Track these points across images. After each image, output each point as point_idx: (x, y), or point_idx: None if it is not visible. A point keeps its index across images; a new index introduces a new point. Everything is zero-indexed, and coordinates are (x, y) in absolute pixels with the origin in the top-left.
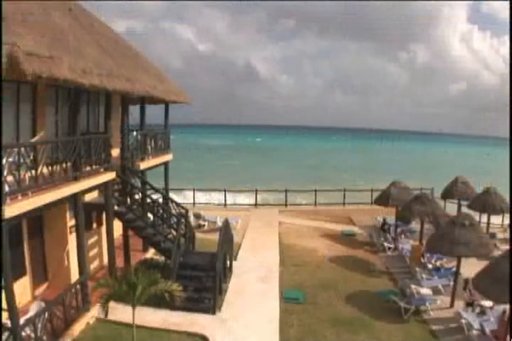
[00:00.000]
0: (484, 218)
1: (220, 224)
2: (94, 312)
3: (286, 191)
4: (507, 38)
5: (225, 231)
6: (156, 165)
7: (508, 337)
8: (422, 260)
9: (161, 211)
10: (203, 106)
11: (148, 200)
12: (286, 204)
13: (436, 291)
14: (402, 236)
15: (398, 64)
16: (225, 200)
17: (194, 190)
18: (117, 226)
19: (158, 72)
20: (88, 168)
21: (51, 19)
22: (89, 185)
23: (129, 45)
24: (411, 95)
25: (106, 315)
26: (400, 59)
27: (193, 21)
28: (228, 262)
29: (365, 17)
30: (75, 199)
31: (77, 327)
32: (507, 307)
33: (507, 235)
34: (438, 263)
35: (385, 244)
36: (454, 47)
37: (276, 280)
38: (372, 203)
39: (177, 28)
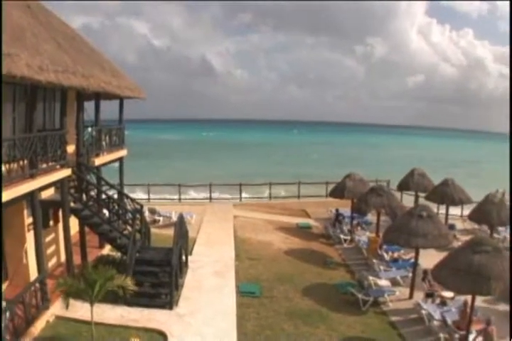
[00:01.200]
0: (443, 209)
1: (175, 219)
2: (54, 310)
3: (240, 185)
4: (467, 30)
5: (180, 226)
6: (111, 161)
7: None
8: (379, 252)
9: (116, 207)
10: (158, 102)
11: (104, 196)
12: (240, 198)
13: (394, 283)
14: (359, 228)
15: (355, 57)
16: (180, 195)
17: (149, 185)
18: (73, 223)
19: (113, 68)
20: (44, 165)
21: (10, 17)
22: (46, 182)
23: (86, 41)
24: (368, 88)
25: (67, 307)
26: (356, 52)
27: (149, 17)
28: (184, 257)
29: (321, 11)
30: (31, 196)
31: (38, 326)
32: (468, 297)
33: (467, 226)
34: (396, 255)
35: (341, 236)
36: (412, 40)
37: (232, 275)
38: (327, 196)
39: (133, 24)
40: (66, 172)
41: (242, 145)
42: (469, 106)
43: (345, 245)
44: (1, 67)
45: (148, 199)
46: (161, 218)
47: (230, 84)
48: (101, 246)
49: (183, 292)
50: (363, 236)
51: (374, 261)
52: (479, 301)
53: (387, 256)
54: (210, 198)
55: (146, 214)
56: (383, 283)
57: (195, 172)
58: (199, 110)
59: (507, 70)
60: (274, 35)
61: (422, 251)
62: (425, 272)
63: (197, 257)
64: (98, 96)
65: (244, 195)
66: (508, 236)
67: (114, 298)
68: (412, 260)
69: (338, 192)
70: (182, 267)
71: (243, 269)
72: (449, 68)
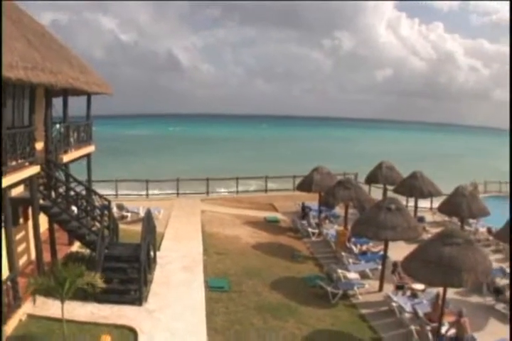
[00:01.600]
0: (412, 202)
1: (142, 214)
2: (26, 308)
3: (207, 179)
4: (437, 24)
5: (148, 221)
6: (79, 157)
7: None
8: (348, 244)
9: (84, 203)
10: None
11: (72, 193)
12: (207, 193)
13: (363, 275)
14: (327, 221)
15: (322, 51)
16: (147, 191)
17: (116, 181)
18: (43, 220)
19: (81, 64)
20: (14, 163)
21: None
22: (15, 179)
23: (55, 37)
24: (335, 82)
25: (34, 303)
26: (324, 46)
27: (117, 12)
28: (152, 253)
29: (289, 5)
30: (1, 194)
31: (11, 325)
32: (440, 290)
33: (437, 218)
34: (364, 248)
35: (309, 230)
36: (380, 34)
37: (200, 270)
38: (294, 189)
39: (101, 19)
40: (35, 169)
41: (210, 140)
42: (439, 100)
43: (313, 238)
44: (1, 68)
45: (116, 195)
46: (128, 214)
47: (197, 78)
48: (70, 243)
49: (152, 288)
50: (331, 230)
51: (343, 254)
52: (451, 293)
53: (355, 249)
54: (178, 193)
55: (114, 210)
56: (352, 275)
57: (162, 168)
58: (166, 105)
59: (478, 63)
60: (241, 29)
61: (391, 244)
62: (395, 264)
63: (165, 252)
64: (66, 93)
65: (211, 189)
66: (480, 228)
67: (85, 295)
68: (381, 252)
69: (306, 185)
70: (150, 263)
71: (211, 264)
72: (419, 62)
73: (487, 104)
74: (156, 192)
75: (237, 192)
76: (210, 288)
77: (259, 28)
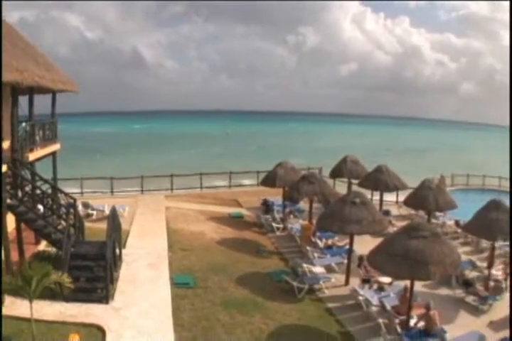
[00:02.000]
0: (377, 196)
1: (108, 212)
2: None
3: (172, 176)
4: (403, 18)
5: (113, 219)
6: (45, 156)
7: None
8: (313, 239)
9: (50, 202)
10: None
11: (38, 192)
12: (172, 189)
13: (329, 269)
14: (291, 216)
15: (286, 46)
16: (112, 188)
17: (82, 179)
18: (10, 219)
19: (47, 62)
20: None
21: None
22: None
23: (21, 35)
24: (300, 77)
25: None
26: (288, 42)
27: (83, 9)
28: (118, 250)
29: (253, 1)
30: None
31: None
32: (408, 282)
33: (402, 211)
34: (330, 242)
35: (274, 225)
36: (345, 29)
37: (165, 266)
38: (258, 185)
39: (67, 17)
40: (2, 168)
41: (175, 137)
42: (405, 94)
43: (277, 233)
44: (1, 68)
45: (82, 193)
46: (94, 212)
47: (162, 75)
48: (37, 242)
49: (118, 285)
50: (296, 224)
51: (308, 248)
52: (419, 286)
53: (321, 243)
54: (142, 190)
55: (80, 208)
56: (318, 270)
57: (127, 165)
58: (131, 102)
59: (445, 58)
60: (205, 25)
61: (356, 238)
62: (361, 258)
63: (130, 250)
64: (32, 91)
65: (176, 186)
66: (447, 221)
67: (52, 294)
68: (347, 246)
69: (270, 180)
70: (116, 260)
71: (176, 260)
72: (384, 56)
73: (453, 98)
74: (120, 189)
75: (201, 188)
76: (176, 284)
77: (223, 24)
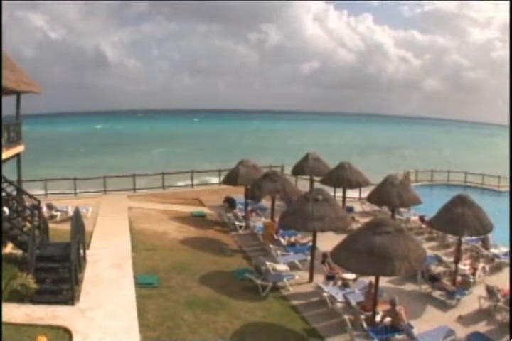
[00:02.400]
0: (340, 193)
1: (71, 213)
2: None
3: (134, 176)
4: (366, 15)
5: (77, 220)
6: (9, 158)
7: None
8: (276, 237)
9: (15, 204)
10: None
11: (3, 194)
12: (134, 189)
13: (293, 267)
14: (253, 214)
15: (248, 45)
16: (75, 189)
17: (46, 180)
18: None
19: (10, 63)
20: None
21: None
22: None
23: None
24: (261, 75)
25: None
26: (249, 40)
27: (47, 9)
28: (82, 251)
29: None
30: None
31: None
32: (372, 278)
33: (366, 208)
34: (292, 239)
35: (236, 223)
36: (307, 26)
37: (130, 266)
38: (220, 183)
39: (30, 17)
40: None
41: (140, 136)
42: (368, 91)
43: (240, 232)
44: (1, 69)
45: (46, 194)
46: (58, 213)
47: (124, 74)
48: (3, 245)
49: (83, 286)
50: (258, 222)
51: (271, 246)
52: (385, 282)
53: (283, 241)
54: (105, 190)
55: (44, 209)
56: (281, 267)
57: (90, 165)
58: (94, 102)
59: (408, 54)
60: (167, 24)
61: (319, 235)
62: (324, 255)
63: (94, 250)
64: None
65: (138, 185)
66: (411, 216)
67: (20, 296)
68: (310, 243)
69: (232, 179)
70: (81, 261)
71: (140, 260)
72: (347, 54)
73: (418, 94)
74: (84, 190)
75: (164, 187)
76: (140, 284)
77: (185, 23)
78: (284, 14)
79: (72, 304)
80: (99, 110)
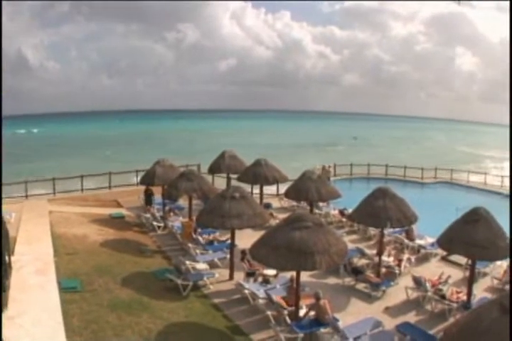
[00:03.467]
0: (258, 189)
1: None
2: None
3: (53, 179)
4: (284, 12)
5: (0, 226)
6: None
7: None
8: (194, 236)
9: None
10: None
11: None
12: (54, 193)
13: (213, 265)
14: (171, 214)
15: (166, 44)
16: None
17: None
18: None
19: None
20: None
21: None
22: None
23: None
24: (179, 74)
25: None
26: (167, 39)
27: None
28: (7, 258)
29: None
30: None
31: None
32: (293, 273)
33: (284, 204)
34: (211, 237)
35: (154, 223)
36: (224, 24)
37: (53, 271)
38: (138, 184)
39: None
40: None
41: (60, 139)
42: (286, 87)
43: (159, 232)
44: (1, 69)
45: None
46: None
47: (44, 77)
48: None
49: (10, 293)
50: (177, 222)
51: (189, 245)
52: (307, 276)
53: (202, 240)
54: (27, 195)
55: None
56: (201, 266)
57: (13, 170)
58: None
59: (327, 50)
60: (87, 24)
61: (238, 232)
62: (243, 252)
63: (18, 256)
64: None
65: (58, 189)
66: (331, 211)
67: None
68: (229, 241)
69: (148, 179)
70: (6, 268)
71: (63, 265)
72: (265, 51)
73: (336, 90)
74: (5, 195)
75: (83, 190)
76: (63, 289)
77: (103, 23)
78: (203, 13)
79: (1, 312)
80: (24, 113)
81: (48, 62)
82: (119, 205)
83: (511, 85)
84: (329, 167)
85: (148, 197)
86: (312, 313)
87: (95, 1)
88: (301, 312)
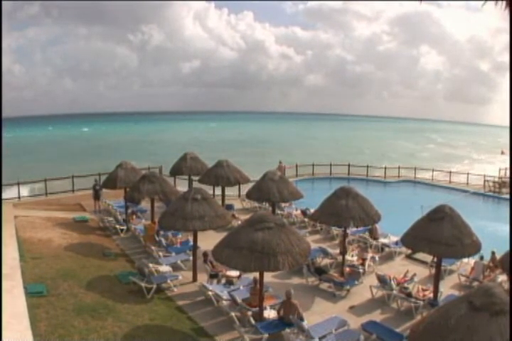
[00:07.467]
0: (220, 191)
1: None
2: None
3: (18, 184)
4: (246, 13)
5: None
6: None
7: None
8: (157, 238)
9: None
10: None
11: None
12: (19, 197)
13: (176, 267)
14: (134, 216)
15: (129, 46)
16: None
17: None
18: None
19: None
20: None
21: None
22: None
23: None
24: (141, 76)
25: None
26: (130, 41)
27: None
28: None
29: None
30: None
31: None
32: (256, 274)
33: (246, 205)
34: (174, 240)
35: (117, 227)
36: (187, 26)
37: (19, 276)
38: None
39: None
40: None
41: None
42: (249, 88)
43: (122, 235)
44: (1, 69)
45: None
46: None
47: (9, 81)
48: None
49: None
50: (139, 225)
51: (152, 248)
52: (270, 277)
53: (164, 242)
54: None
55: None
56: (164, 268)
57: None
58: None
59: (289, 50)
60: (51, 27)
61: (201, 234)
62: (205, 254)
63: None
64: None
65: (22, 193)
66: (293, 211)
67: None
68: (191, 243)
69: (111, 182)
70: None
71: (28, 269)
72: (228, 52)
73: (300, 90)
74: None
75: (47, 194)
76: (30, 293)
77: (67, 26)
78: (165, 14)
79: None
80: None
81: (14, 66)
82: (82, 209)
83: (511, 85)
84: (282, 165)
85: (96, 192)
86: (274, 314)
87: (61, 1)
88: (265, 313)
